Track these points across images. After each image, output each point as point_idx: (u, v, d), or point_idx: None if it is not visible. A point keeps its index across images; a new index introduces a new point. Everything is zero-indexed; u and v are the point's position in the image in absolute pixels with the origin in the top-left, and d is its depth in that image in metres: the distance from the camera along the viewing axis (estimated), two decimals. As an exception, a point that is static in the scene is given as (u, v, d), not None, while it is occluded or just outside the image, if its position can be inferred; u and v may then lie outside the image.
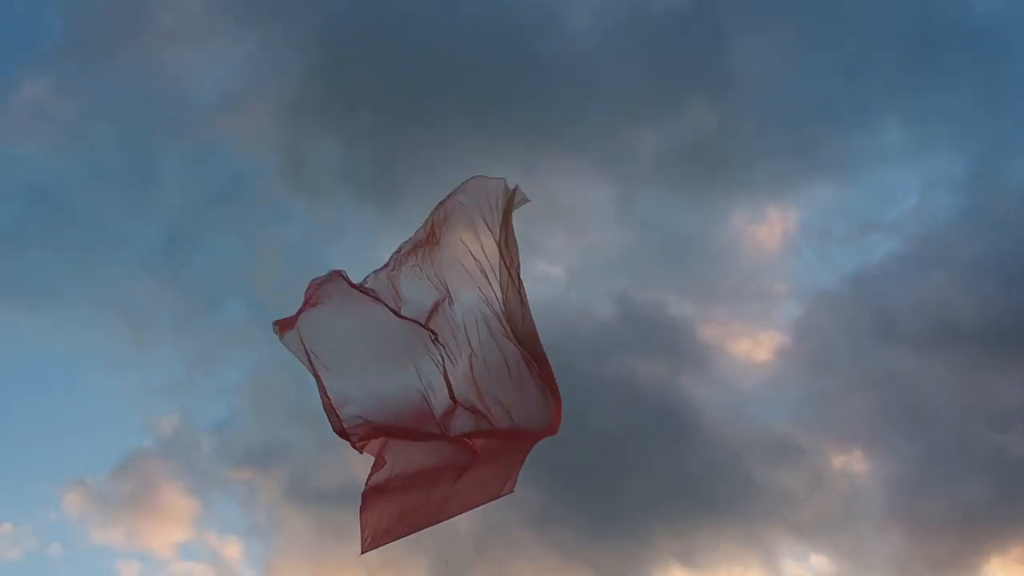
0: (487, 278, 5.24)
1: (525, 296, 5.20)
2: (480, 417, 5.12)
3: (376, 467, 5.05)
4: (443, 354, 5.07)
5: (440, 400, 5.04)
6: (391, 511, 5.26)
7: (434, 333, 5.00)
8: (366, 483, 5.08)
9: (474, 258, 5.20)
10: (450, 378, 5.05)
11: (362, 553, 5.19)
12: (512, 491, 5.24)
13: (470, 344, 5.11)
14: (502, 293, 5.18)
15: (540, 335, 5.30)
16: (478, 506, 5.26)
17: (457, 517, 5.22)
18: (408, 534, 5.15)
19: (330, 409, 4.89)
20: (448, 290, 5.14)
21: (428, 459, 5.15)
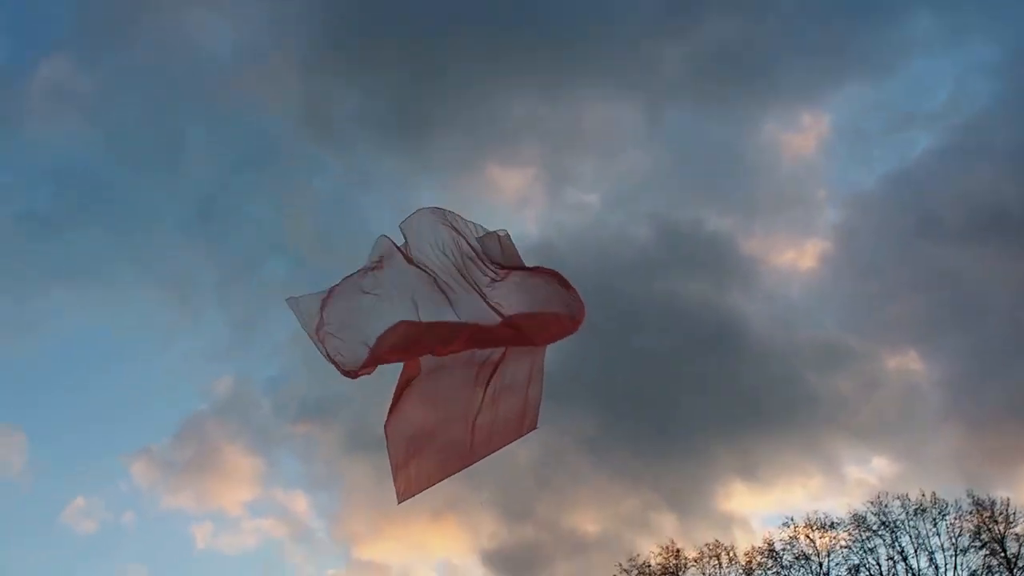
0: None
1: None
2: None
3: (396, 411, 5.39)
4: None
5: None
6: (420, 460, 5.46)
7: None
8: (386, 436, 5.44)
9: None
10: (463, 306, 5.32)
11: (399, 503, 5.43)
12: (535, 427, 5.57)
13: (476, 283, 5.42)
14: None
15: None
16: (504, 446, 5.52)
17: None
18: (440, 480, 5.55)
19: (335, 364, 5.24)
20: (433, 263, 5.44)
21: (450, 390, 5.54)
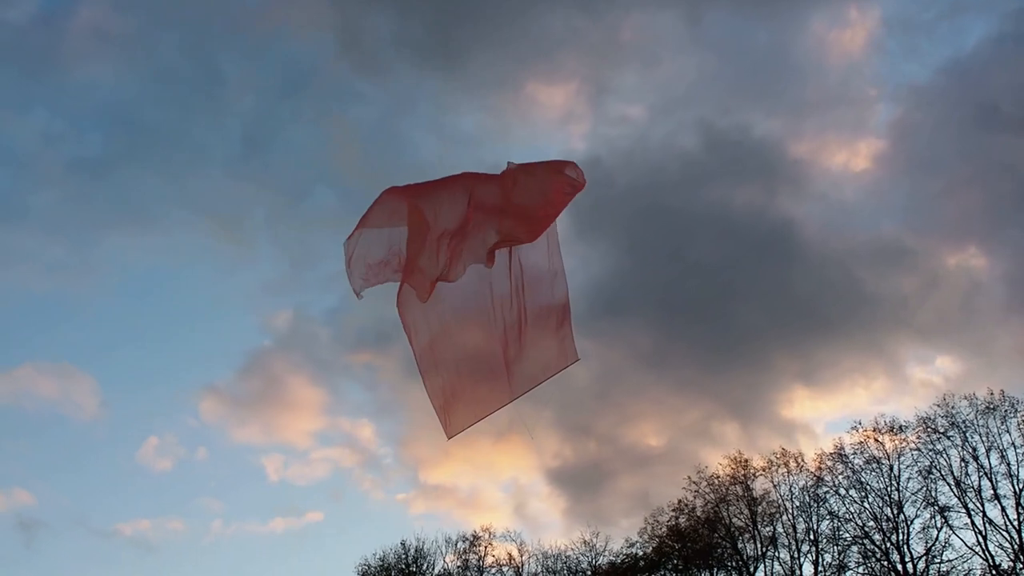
0: None
1: None
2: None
3: (422, 351, 5.60)
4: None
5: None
6: (460, 399, 5.54)
7: None
8: (421, 375, 5.67)
9: None
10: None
11: (449, 439, 5.61)
12: (577, 359, 5.73)
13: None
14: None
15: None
16: (545, 380, 5.66)
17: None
18: (484, 416, 5.72)
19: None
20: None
21: (474, 330, 5.69)
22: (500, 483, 55.75)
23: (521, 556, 32.19)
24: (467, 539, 33.11)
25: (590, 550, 31.69)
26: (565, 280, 5.96)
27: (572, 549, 31.81)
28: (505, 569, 32.20)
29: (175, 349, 58.81)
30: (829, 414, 55.23)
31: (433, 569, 33.25)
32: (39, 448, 53.25)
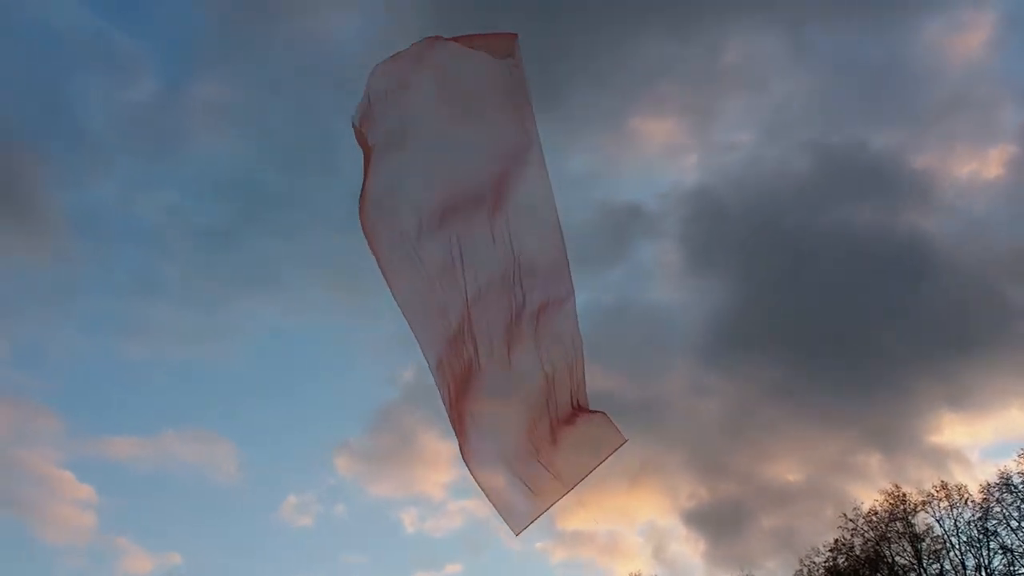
0: None
1: None
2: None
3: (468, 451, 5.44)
4: None
5: None
6: (515, 497, 5.36)
7: None
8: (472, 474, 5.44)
9: None
10: None
11: (517, 535, 5.33)
12: (625, 440, 5.42)
13: None
14: None
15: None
16: (595, 467, 5.43)
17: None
18: (548, 507, 5.44)
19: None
20: None
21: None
22: (637, 527, 55.39)
23: None
24: None
25: None
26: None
27: None
28: None
29: (307, 408, 60.48)
30: (984, 439, 52.90)
31: None
32: (185, 511, 55.40)
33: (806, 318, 44.46)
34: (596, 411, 5.38)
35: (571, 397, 5.42)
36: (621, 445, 5.36)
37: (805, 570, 30.20)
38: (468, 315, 5.26)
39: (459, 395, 5.42)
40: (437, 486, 60.88)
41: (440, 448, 58.21)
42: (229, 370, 58.79)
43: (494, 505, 5.37)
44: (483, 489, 5.34)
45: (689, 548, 51.35)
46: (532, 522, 5.38)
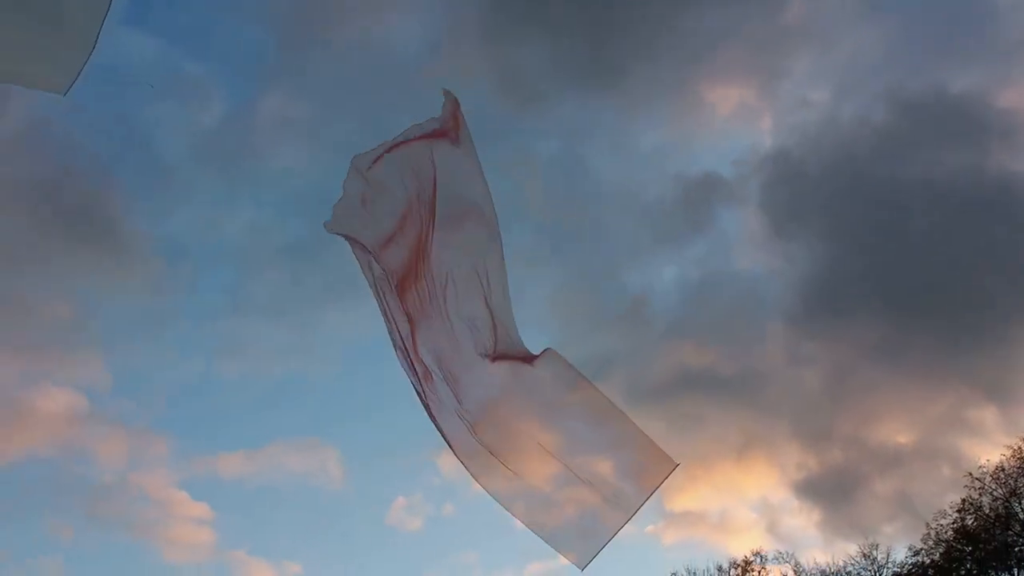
0: None
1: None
2: None
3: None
4: None
5: None
6: (576, 527, 5.40)
7: None
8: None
9: None
10: None
11: (582, 569, 5.27)
12: (675, 464, 5.34)
13: None
14: None
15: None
16: (658, 487, 5.36)
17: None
18: (611, 538, 5.42)
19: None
20: None
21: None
22: (749, 503, 54.40)
23: None
24: (738, 565, 32.39)
25: (871, 563, 30.31)
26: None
27: (852, 564, 30.57)
28: None
29: (406, 411, 61.05)
30: (1109, 384, 50.34)
31: None
32: (299, 521, 56.65)
33: (900, 273, 42.89)
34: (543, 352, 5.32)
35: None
36: (673, 470, 5.26)
37: (932, 533, 29.08)
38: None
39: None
40: (539, 477, 60.84)
41: (542, 439, 58.19)
42: (325, 379, 59.83)
43: (549, 542, 5.36)
44: (533, 528, 5.36)
45: (803, 520, 50.17)
46: (597, 554, 5.32)
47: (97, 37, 4.03)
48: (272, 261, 59.13)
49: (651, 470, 5.32)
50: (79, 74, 4.09)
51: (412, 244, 5.23)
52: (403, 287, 5.24)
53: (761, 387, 47.56)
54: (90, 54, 4.06)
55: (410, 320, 5.22)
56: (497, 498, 5.43)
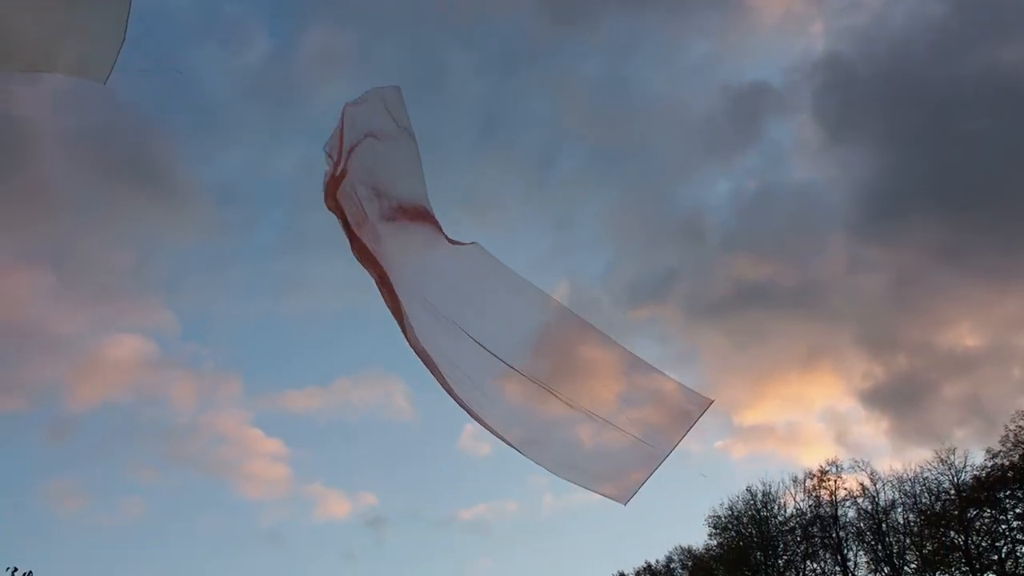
0: None
1: None
2: None
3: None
4: None
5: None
6: (612, 468, 5.32)
7: None
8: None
9: None
10: None
11: (624, 504, 5.17)
12: (712, 401, 5.20)
13: None
14: None
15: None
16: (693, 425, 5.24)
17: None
18: (651, 474, 5.27)
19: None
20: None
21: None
22: (816, 414, 54.02)
23: (874, 485, 30.94)
24: (814, 475, 32.26)
25: (948, 468, 29.76)
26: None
27: (929, 469, 30.07)
28: (860, 500, 31.08)
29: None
30: None
31: (785, 510, 32.78)
32: (371, 452, 57.94)
33: (961, 172, 41.33)
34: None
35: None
36: (708, 406, 5.23)
37: (1011, 435, 28.40)
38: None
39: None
40: (606, 399, 61.06)
41: (605, 359, 58.19)
42: (386, 312, 60.17)
43: (590, 486, 5.31)
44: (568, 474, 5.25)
45: (871, 428, 49.69)
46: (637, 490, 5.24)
47: (126, 28, 4.12)
48: (321, 196, 59.09)
49: (685, 409, 5.28)
50: (115, 64, 4.18)
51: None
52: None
53: (823, 297, 46.65)
54: (121, 44, 4.15)
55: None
56: (524, 451, 5.35)
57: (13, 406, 51.50)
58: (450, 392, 5.19)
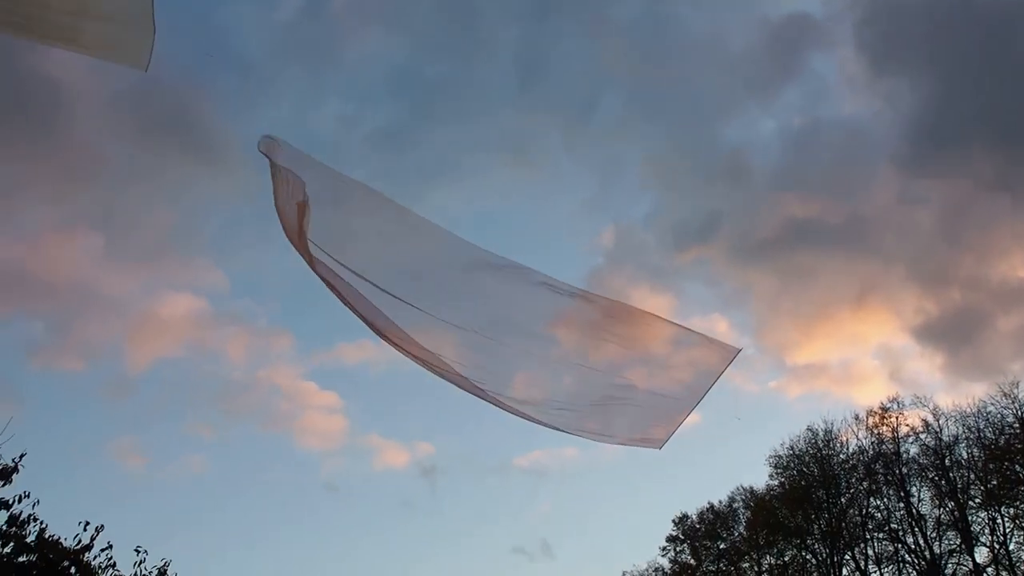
0: None
1: None
2: None
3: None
4: None
5: None
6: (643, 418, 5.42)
7: None
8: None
9: None
10: None
11: (660, 448, 5.40)
12: (740, 350, 5.37)
13: None
14: None
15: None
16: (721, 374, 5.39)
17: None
18: (683, 422, 5.47)
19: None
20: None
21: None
22: (870, 351, 53.78)
23: (937, 420, 30.94)
24: (875, 412, 32.34)
25: (1012, 401, 29.64)
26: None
27: (992, 403, 29.98)
28: (923, 436, 31.17)
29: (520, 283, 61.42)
30: None
31: (847, 448, 32.99)
32: (425, 403, 58.63)
33: (1012, 102, 40.29)
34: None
35: None
36: (736, 355, 5.29)
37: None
38: None
39: None
40: (661, 342, 61.10)
41: (655, 302, 58.15)
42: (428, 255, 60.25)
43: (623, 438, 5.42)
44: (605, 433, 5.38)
45: (926, 364, 49.40)
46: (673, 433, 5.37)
47: (153, 16, 4.13)
48: (365, 149, 59.25)
49: (712, 360, 5.40)
50: (152, 51, 4.20)
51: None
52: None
53: (872, 233, 46.12)
54: (154, 34, 4.16)
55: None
56: (541, 418, 5.50)
57: (74, 366, 52.72)
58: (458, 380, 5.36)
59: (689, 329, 5.58)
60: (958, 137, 44.00)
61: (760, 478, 54.05)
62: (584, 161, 60.91)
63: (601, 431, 5.54)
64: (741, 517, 36.69)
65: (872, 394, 64.16)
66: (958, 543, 29.40)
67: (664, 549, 39.38)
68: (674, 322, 5.73)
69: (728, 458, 55.84)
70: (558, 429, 5.56)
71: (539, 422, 5.51)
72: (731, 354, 5.35)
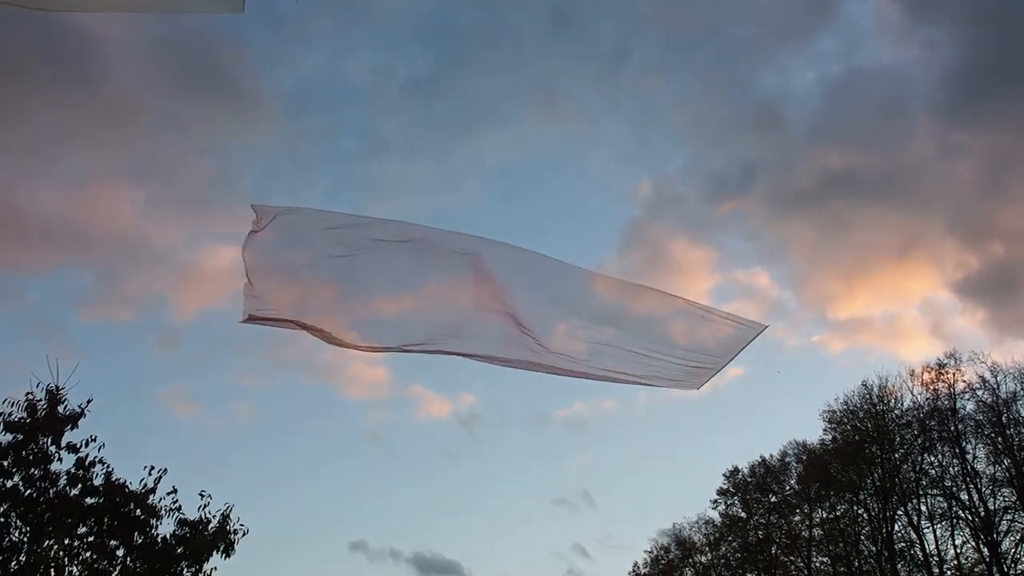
0: None
1: None
2: None
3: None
4: None
5: None
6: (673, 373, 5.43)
7: None
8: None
9: None
10: None
11: (697, 388, 5.46)
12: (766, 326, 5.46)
13: None
14: None
15: None
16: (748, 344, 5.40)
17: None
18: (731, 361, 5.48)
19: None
20: None
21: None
22: (913, 305, 52.71)
23: (994, 377, 30.12)
24: (931, 368, 31.55)
25: None
26: None
27: None
28: (980, 392, 30.38)
29: (556, 237, 61.05)
30: None
31: (902, 404, 32.28)
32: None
33: None
34: None
35: None
36: (763, 330, 5.31)
37: None
38: None
39: None
40: (700, 295, 60.45)
41: (695, 255, 57.38)
42: (471, 210, 60.04)
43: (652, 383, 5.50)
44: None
45: (967, 319, 48.32)
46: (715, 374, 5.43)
47: None
48: (401, 99, 58.43)
49: (737, 335, 5.39)
50: None
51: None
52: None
53: (912, 185, 44.85)
54: None
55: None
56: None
57: (123, 317, 53.14)
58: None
59: (712, 309, 5.64)
60: (999, 86, 42.58)
61: (804, 432, 53.56)
62: (617, 111, 59.69)
63: (642, 374, 5.61)
64: (793, 471, 36.23)
65: (916, 350, 63.24)
66: (1013, 500, 28.78)
67: (715, 502, 39.10)
68: (698, 303, 5.77)
69: (771, 414, 55.40)
70: (596, 377, 5.71)
71: (577, 373, 5.66)
72: (757, 328, 5.40)
